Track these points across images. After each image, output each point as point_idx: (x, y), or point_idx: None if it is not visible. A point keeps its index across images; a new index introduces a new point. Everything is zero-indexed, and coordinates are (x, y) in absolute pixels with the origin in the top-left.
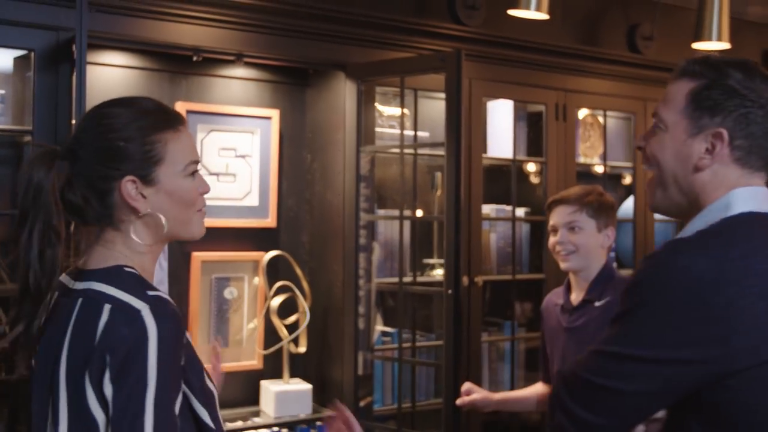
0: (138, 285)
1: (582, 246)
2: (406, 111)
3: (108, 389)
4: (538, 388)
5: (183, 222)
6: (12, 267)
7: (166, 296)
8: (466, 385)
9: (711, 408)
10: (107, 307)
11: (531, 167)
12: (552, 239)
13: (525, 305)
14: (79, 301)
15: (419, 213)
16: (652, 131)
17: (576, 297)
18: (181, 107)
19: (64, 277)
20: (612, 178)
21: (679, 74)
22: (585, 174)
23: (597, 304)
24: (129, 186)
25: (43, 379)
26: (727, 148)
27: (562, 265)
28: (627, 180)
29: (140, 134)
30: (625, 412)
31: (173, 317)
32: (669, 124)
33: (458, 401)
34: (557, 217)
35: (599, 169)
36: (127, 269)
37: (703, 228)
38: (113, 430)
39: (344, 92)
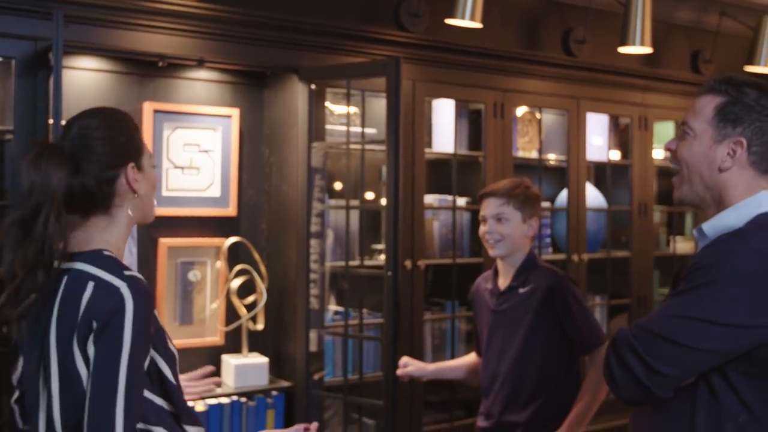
0: (116, 266)
1: (508, 235)
2: (355, 110)
3: (91, 350)
4: (470, 358)
5: (150, 205)
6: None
7: (140, 276)
8: (403, 359)
9: (761, 363)
10: (90, 284)
11: (471, 160)
12: (482, 228)
13: (465, 287)
14: (65, 279)
15: (367, 200)
16: (681, 136)
17: (503, 282)
18: (148, 107)
19: None
20: (548, 170)
21: (706, 90)
22: (523, 166)
23: (521, 290)
24: (131, 171)
25: (34, 344)
26: (745, 153)
27: (490, 252)
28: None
29: (134, 130)
30: (691, 365)
31: (146, 293)
32: (698, 132)
33: (397, 372)
34: (487, 208)
35: (536, 161)
36: (105, 252)
37: (746, 221)
38: (93, 379)
39: (297, 93)
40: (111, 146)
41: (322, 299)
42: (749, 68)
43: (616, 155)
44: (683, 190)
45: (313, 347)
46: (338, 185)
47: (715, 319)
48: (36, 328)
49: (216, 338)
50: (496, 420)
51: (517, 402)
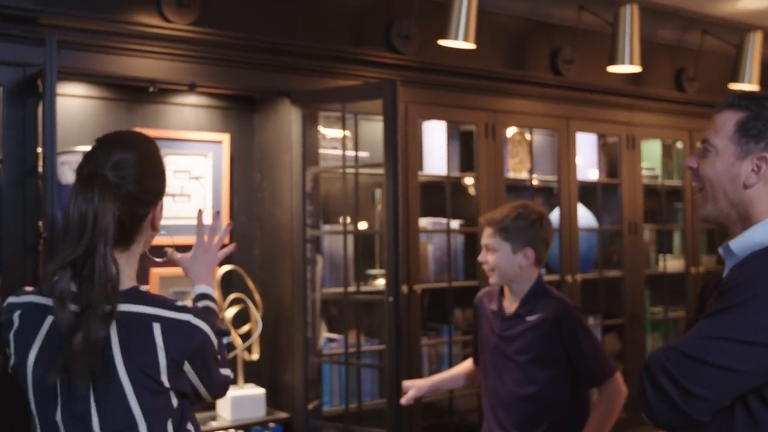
0: (164, 301)
1: (497, 266)
2: (347, 133)
3: (189, 371)
4: (466, 366)
5: (152, 240)
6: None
7: (186, 303)
8: (405, 384)
9: None
10: (157, 326)
11: (464, 182)
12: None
13: (461, 311)
14: (114, 322)
15: (361, 227)
16: (702, 154)
17: (509, 306)
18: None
19: (41, 299)
20: (540, 191)
21: (725, 107)
22: (515, 187)
23: (528, 318)
24: (159, 209)
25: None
26: None
27: (489, 280)
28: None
29: (164, 166)
30: (728, 387)
31: (207, 316)
32: (720, 149)
33: (402, 400)
34: (483, 237)
35: (528, 182)
36: (142, 288)
37: None
38: (206, 378)
39: (290, 117)
40: (149, 184)
41: (313, 326)
42: (733, 85)
43: (598, 174)
44: (708, 208)
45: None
46: (331, 210)
47: (752, 339)
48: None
49: None
50: None
51: (517, 427)
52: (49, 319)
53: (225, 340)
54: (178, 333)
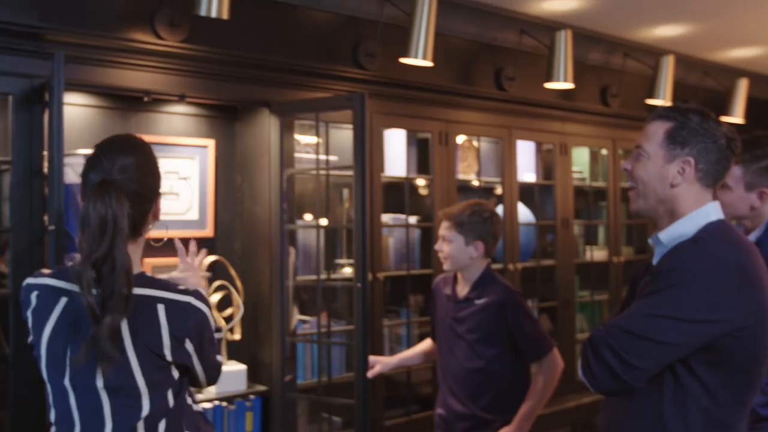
0: (167, 284)
1: (451, 255)
2: (318, 139)
3: (195, 359)
4: (426, 345)
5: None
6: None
7: (186, 286)
8: (371, 359)
9: (719, 353)
10: (161, 306)
11: (420, 183)
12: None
13: (418, 296)
14: None
15: (323, 222)
16: (635, 158)
17: (461, 290)
18: None
19: (57, 282)
20: (485, 191)
21: (655, 117)
22: (464, 188)
23: (477, 302)
24: (159, 201)
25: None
26: (693, 170)
27: (443, 266)
28: (499, 191)
29: (158, 163)
30: (661, 358)
31: (203, 295)
32: (651, 154)
33: (368, 374)
34: (440, 229)
35: (475, 183)
36: (147, 274)
37: (698, 229)
38: (203, 355)
39: (269, 125)
40: (150, 182)
41: (288, 310)
42: (650, 101)
43: (536, 177)
44: (639, 204)
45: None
46: (303, 207)
47: (681, 316)
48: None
49: None
50: (450, 410)
51: (467, 396)
52: (63, 300)
53: (217, 335)
54: (180, 313)
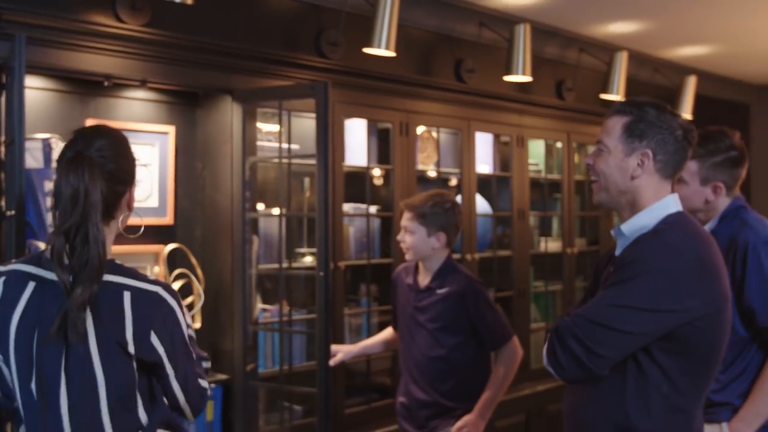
0: (137, 273)
1: (413, 246)
2: (278, 128)
3: (161, 351)
4: (387, 333)
5: (127, 220)
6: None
7: (153, 277)
8: (333, 348)
9: (679, 341)
10: (127, 294)
11: (372, 173)
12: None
13: (378, 284)
14: None
15: (283, 211)
16: (597, 153)
17: (422, 280)
18: (91, 123)
19: (25, 267)
20: (443, 181)
21: (613, 113)
22: (422, 179)
23: (438, 291)
24: (133, 190)
25: (55, 346)
26: (652, 162)
27: (405, 256)
28: (453, 182)
29: (133, 154)
30: (625, 347)
31: (174, 289)
32: (611, 148)
33: (330, 362)
34: (402, 219)
35: (432, 174)
36: (117, 262)
37: (658, 220)
38: (176, 363)
39: (231, 112)
40: (125, 165)
41: (250, 298)
42: (604, 96)
43: (493, 168)
44: (602, 196)
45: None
46: (265, 195)
47: (643, 306)
48: (55, 341)
49: None
50: (412, 398)
51: (429, 383)
52: (31, 285)
53: (204, 364)
54: (145, 302)
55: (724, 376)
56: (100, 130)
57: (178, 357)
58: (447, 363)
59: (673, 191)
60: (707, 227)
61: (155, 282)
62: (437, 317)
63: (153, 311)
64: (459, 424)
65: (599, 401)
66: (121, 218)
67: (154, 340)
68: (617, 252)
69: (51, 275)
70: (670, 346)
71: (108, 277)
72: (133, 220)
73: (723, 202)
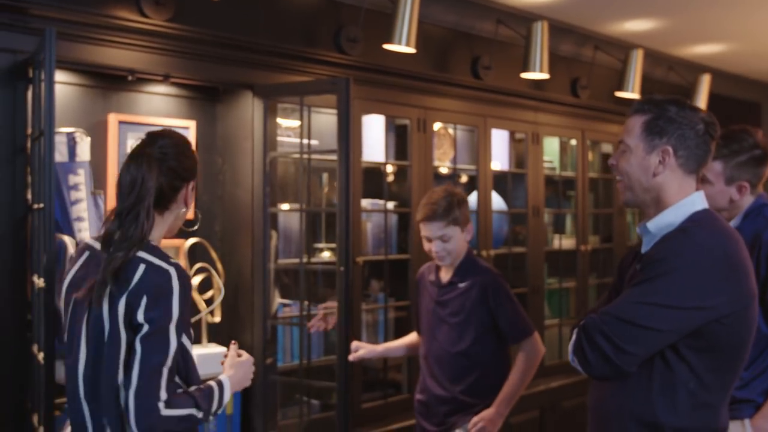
0: (164, 255)
1: (453, 250)
2: (299, 123)
3: (140, 318)
4: (411, 338)
5: (183, 220)
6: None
7: (180, 264)
8: (354, 344)
9: (707, 338)
10: (142, 266)
11: (384, 169)
12: (428, 246)
13: (377, 282)
14: None
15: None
16: (620, 153)
17: (445, 276)
18: (113, 118)
19: (91, 241)
20: (456, 178)
21: (633, 112)
22: (436, 175)
23: (460, 285)
24: (190, 188)
25: (82, 307)
26: (673, 158)
27: (439, 263)
28: (464, 179)
29: (195, 157)
30: (653, 344)
31: (188, 279)
32: (632, 147)
33: (350, 357)
34: (430, 231)
35: (445, 170)
36: (153, 243)
37: (684, 218)
38: (146, 344)
39: (251, 107)
40: (185, 163)
41: (270, 293)
42: (619, 94)
43: (509, 165)
44: (627, 196)
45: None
46: (287, 190)
47: (671, 304)
48: (82, 301)
49: None
50: (431, 394)
51: (449, 379)
52: (86, 254)
53: (193, 412)
54: (152, 274)
55: (747, 374)
56: (166, 132)
57: (151, 341)
58: (467, 358)
59: (698, 188)
60: (732, 224)
61: (174, 264)
62: (459, 311)
63: (153, 281)
64: (476, 419)
65: (625, 397)
66: (177, 212)
67: (142, 306)
68: (643, 249)
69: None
70: (697, 343)
71: (138, 253)
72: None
73: (747, 200)
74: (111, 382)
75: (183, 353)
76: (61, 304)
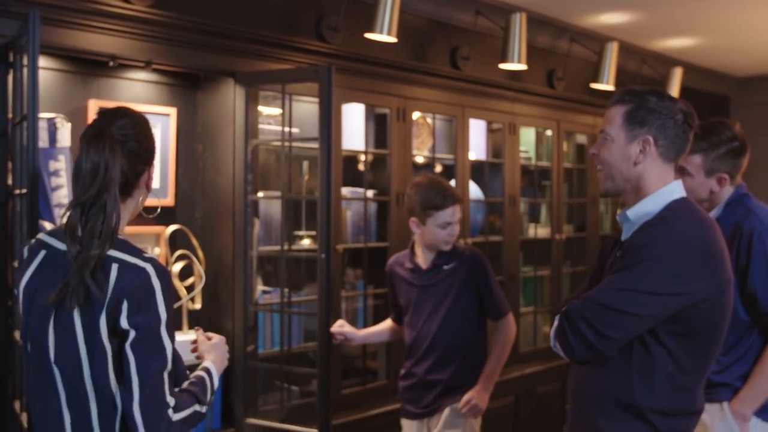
0: (134, 249)
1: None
2: (280, 111)
3: (124, 324)
4: (389, 324)
5: (144, 202)
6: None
7: (156, 257)
8: (339, 321)
9: (684, 323)
10: (115, 266)
11: (377, 157)
12: (442, 232)
13: (374, 267)
14: None
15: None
16: (600, 142)
17: (424, 261)
18: (93, 104)
19: (45, 237)
20: (427, 167)
21: (615, 102)
22: (414, 164)
23: (445, 267)
24: (151, 171)
25: (44, 315)
26: (653, 147)
27: (446, 247)
28: (439, 168)
29: (153, 135)
30: (633, 329)
31: (166, 272)
32: (614, 136)
33: (332, 329)
34: (454, 215)
35: (421, 160)
36: (121, 238)
37: (663, 206)
38: (139, 350)
39: (233, 95)
40: (146, 145)
41: (250, 280)
42: (594, 85)
43: (486, 155)
44: (607, 185)
45: (248, 323)
46: (267, 178)
47: (651, 289)
48: (44, 309)
49: None
50: (421, 378)
51: (440, 362)
52: (42, 253)
53: (195, 407)
54: (129, 274)
55: (726, 358)
56: (122, 111)
57: (145, 348)
58: (456, 340)
59: (676, 178)
60: (712, 214)
61: (149, 259)
62: (446, 293)
63: (131, 283)
64: (466, 397)
65: (605, 380)
66: (139, 198)
67: (124, 312)
68: (623, 237)
69: (62, 246)
70: (675, 327)
71: (108, 252)
72: (150, 201)
73: (727, 191)
74: (102, 393)
75: None
76: (21, 305)
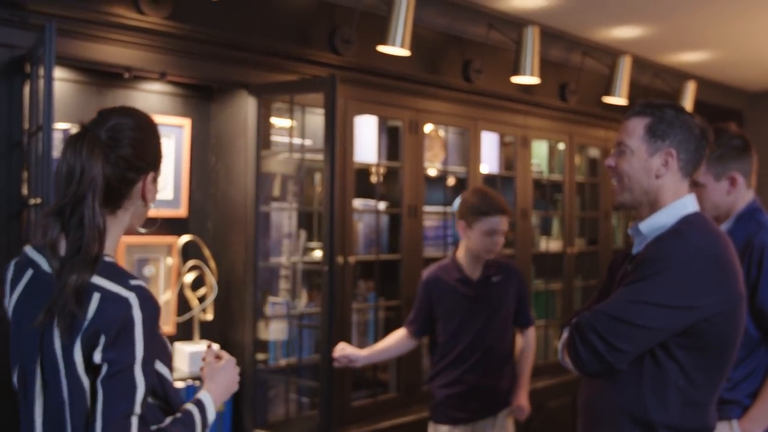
0: (121, 275)
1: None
2: (294, 122)
3: (98, 358)
4: (397, 337)
5: (145, 216)
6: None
7: (144, 284)
8: (340, 345)
9: (696, 337)
10: (96, 296)
11: (371, 170)
12: (487, 240)
13: (385, 280)
14: None
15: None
16: (618, 154)
17: (473, 273)
18: None
19: (32, 252)
20: (439, 180)
21: (632, 114)
22: (427, 177)
23: (494, 279)
24: (150, 180)
25: (30, 351)
26: (675, 161)
27: (489, 256)
28: (452, 182)
29: (160, 140)
30: (644, 342)
31: (153, 303)
32: (634, 149)
33: (335, 363)
34: (501, 224)
35: (432, 172)
36: (107, 259)
37: (677, 220)
38: (108, 387)
39: (246, 106)
40: (143, 152)
41: (260, 291)
42: (607, 99)
43: (498, 168)
44: (624, 197)
45: (258, 335)
46: (278, 190)
47: (664, 302)
48: (27, 323)
49: (169, 327)
50: (473, 385)
51: (493, 369)
52: (29, 272)
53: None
54: (110, 307)
55: (735, 374)
56: (123, 110)
57: (113, 385)
58: (506, 346)
59: (690, 192)
60: (723, 227)
61: (134, 288)
62: (499, 303)
63: (111, 315)
64: (520, 404)
65: (616, 394)
66: (132, 210)
67: (100, 345)
68: (634, 250)
69: (47, 265)
70: (687, 341)
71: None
72: (152, 212)
73: (745, 194)
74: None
75: (161, 381)
76: (10, 325)
